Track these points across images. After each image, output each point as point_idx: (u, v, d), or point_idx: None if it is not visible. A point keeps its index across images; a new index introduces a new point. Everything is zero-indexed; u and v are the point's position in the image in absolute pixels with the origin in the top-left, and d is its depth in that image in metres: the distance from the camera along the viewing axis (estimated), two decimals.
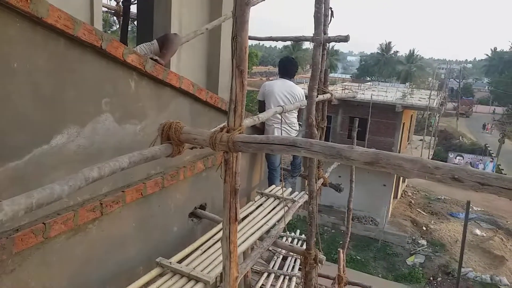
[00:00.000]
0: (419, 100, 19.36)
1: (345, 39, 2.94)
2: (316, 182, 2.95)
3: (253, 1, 1.33)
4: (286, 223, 2.91)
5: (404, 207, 20.08)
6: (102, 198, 2.13)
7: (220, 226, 2.77)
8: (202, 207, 3.16)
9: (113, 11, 5.34)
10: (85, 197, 2.07)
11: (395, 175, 14.61)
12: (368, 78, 51.32)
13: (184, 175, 2.79)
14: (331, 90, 3.57)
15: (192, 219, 3.05)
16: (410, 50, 53.66)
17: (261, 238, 2.77)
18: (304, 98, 3.85)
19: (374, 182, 16.13)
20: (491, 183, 0.93)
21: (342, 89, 17.78)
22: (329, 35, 3.05)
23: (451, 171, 0.97)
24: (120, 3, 5.12)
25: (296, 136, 4.12)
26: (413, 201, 20.97)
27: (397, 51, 56.60)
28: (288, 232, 4.52)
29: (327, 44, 3.34)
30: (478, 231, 17.72)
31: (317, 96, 2.90)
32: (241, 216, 2.89)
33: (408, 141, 21.49)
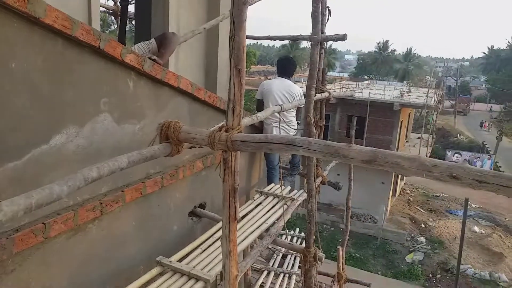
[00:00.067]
0: (416, 98, 19.38)
1: (342, 38, 2.94)
2: (315, 181, 2.96)
3: (251, 0, 1.34)
4: (285, 221, 2.92)
5: (402, 204, 20.13)
6: (102, 198, 2.13)
7: (219, 224, 2.77)
8: (202, 206, 3.17)
9: (111, 11, 5.34)
10: (84, 197, 2.07)
11: (394, 173, 14.65)
12: (366, 77, 51.38)
13: (184, 174, 2.80)
14: (329, 89, 3.58)
15: (192, 218, 3.05)
16: (407, 49, 53.75)
17: (260, 237, 2.78)
18: (303, 97, 3.86)
19: (373, 180, 16.15)
20: (489, 180, 0.94)
21: (340, 88, 17.80)
22: (326, 34, 3.05)
23: (449, 169, 0.98)
24: (118, 3, 5.12)
25: (294, 135, 4.13)
26: (411, 199, 21.02)
27: (395, 50, 56.69)
28: (287, 230, 4.53)
29: (325, 43, 3.34)
30: (476, 228, 17.78)
31: (315, 95, 2.90)
32: (240, 214, 2.89)
33: (406, 139, 21.53)
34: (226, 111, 1.39)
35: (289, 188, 3.72)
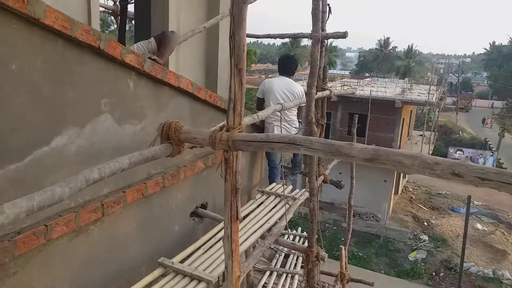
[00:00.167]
0: (418, 96, 19.32)
1: (343, 35, 2.94)
2: (316, 179, 2.95)
3: None
4: (287, 221, 2.91)
5: (405, 202, 20.09)
6: (103, 199, 2.13)
7: (221, 225, 2.77)
8: (203, 206, 3.16)
9: (110, 11, 5.34)
10: (86, 198, 2.07)
11: (396, 171, 14.62)
12: (367, 74, 51.23)
13: (185, 175, 2.79)
14: (330, 87, 3.57)
15: (194, 219, 3.05)
16: (408, 46, 53.57)
17: (262, 237, 2.78)
18: (304, 96, 3.85)
19: (375, 178, 16.11)
20: (491, 178, 0.93)
21: (341, 86, 17.79)
22: (327, 32, 3.05)
23: (451, 166, 0.97)
24: (118, 3, 5.12)
25: (296, 133, 4.12)
26: (414, 197, 20.98)
27: (396, 47, 56.50)
28: (289, 230, 4.52)
29: (326, 40, 3.33)
30: (479, 226, 17.73)
31: (316, 93, 2.89)
32: (242, 214, 2.89)
33: (408, 136, 21.48)
34: (227, 111, 1.39)
35: (290, 187, 3.71)
